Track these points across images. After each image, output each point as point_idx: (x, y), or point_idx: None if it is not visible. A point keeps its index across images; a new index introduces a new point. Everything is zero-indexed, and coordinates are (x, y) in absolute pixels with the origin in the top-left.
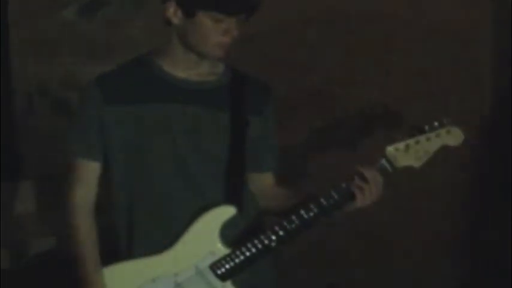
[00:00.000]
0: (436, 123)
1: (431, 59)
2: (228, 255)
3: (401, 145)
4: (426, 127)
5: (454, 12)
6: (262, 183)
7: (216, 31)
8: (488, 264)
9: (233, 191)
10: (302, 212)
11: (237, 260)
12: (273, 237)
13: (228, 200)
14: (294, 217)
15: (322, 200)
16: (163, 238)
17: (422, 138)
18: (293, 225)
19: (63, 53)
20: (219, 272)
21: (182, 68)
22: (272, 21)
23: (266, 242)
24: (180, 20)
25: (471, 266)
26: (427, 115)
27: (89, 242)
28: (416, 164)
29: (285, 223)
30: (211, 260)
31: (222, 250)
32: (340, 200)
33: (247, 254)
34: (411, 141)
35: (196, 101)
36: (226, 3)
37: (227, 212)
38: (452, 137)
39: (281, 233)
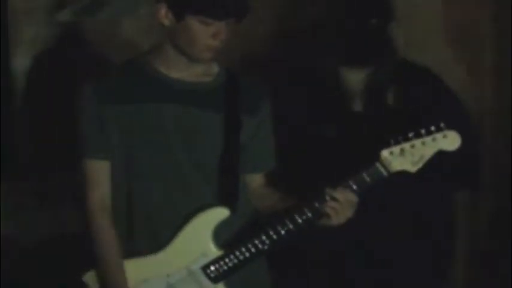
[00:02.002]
0: (432, 127)
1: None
2: (221, 257)
3: (396, 149)
4: (422, 131)
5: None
6: (254, 183)
7: (205, 34)
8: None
9: (227, 192)
10: (296, 216)
11: (229, 262)
12: (266, 241)
13: (222, 201)
14: (287, 221)
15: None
16: (157, 238)
17: (418, 142)
18: (286, 229)
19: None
20: (211, 273)
21: (175, 68)
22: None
23: (259, 245)
24: (171, 22)
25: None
26: None
27: (110, 242)
28: (412, 168)
29: (279, 227)
30: (203, 261)
31: (214, 252)
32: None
33: (240, 256)
34: (406, 145)
35: (191, 102)
36: (214, 8)
37: (220, 213)
38: (449, 141)
39: (274, 237)
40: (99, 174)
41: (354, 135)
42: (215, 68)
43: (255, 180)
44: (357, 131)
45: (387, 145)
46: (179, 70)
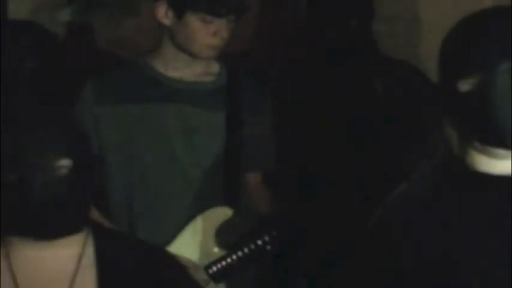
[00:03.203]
0: None
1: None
2: (223, 257)
3: None
4: None
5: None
6: (254, 182)
7: (205, 32)
8: None
9: (229, 191)
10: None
11: (231, 263)
12: (269, 241)
13: (223, 201)
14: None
15: None
16: (159, 238)
17: None
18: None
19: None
20: (213, 273)
21: (175, 68)
22: None
23: (261, 245)
24: (171, 20)
25: None
26: None
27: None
28: None
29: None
30: (205, 261)
31: (217, 252)
32: None
33: (242, 256)
34: None
35: (191, 101)
36: (214, 4)
37: (223, 213)
38: None
39: (277, 237)
40: None
41: (342, 133)
42: (215, 68)
43: (255, 179)
44: (345, 129)
45: None
46: (179, 70)
